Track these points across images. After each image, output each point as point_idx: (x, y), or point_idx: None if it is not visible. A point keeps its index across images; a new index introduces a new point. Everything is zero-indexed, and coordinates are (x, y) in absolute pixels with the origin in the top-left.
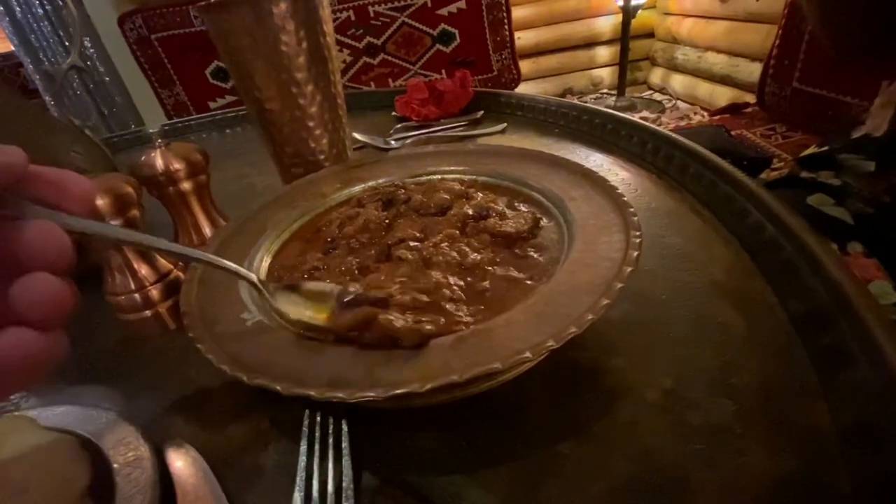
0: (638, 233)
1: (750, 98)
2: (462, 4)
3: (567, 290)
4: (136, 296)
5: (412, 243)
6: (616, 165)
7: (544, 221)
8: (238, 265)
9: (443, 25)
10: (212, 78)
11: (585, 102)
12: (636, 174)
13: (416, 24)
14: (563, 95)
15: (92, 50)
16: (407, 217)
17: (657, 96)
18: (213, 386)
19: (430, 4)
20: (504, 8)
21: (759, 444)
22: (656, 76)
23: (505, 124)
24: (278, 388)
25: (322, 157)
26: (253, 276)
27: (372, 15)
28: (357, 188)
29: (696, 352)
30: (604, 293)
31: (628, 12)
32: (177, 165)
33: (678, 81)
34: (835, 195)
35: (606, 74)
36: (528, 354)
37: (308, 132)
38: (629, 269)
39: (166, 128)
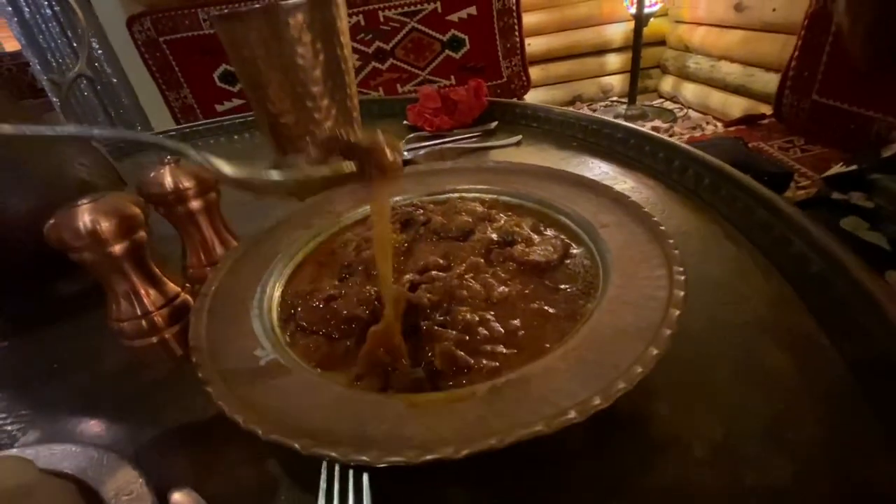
0: (681, 269)
1: (765, 109)
2: (472, 10)
3: (609, 333)
4: (142, 322)
5: (435, 272)
6: (640, 183)
7: (574, 249)
8: (251, 291)
9: (452, 31)
10: (219, 81)
11: (595, 110)
12: (662, 194)
13: (426, 30)
14: (572, 103)
15: (100, 51)
16: (426, 240)
17: (668, 105)
18: (224, 425)
19: (440, 10)
20: (515, 14)
21: None
22: (667, 84)
23: (520, 136)
24: (297, 446)
25: None
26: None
27: (382, 20)
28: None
29: (745, 399)
30: (652, 341)
31: (640, 20)
32: (186, 184)
33: (690, 90)
34: (869, 218)
35: (617, 82)
36: (573, 415)
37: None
38: (677, 312)
39: (173, 134)
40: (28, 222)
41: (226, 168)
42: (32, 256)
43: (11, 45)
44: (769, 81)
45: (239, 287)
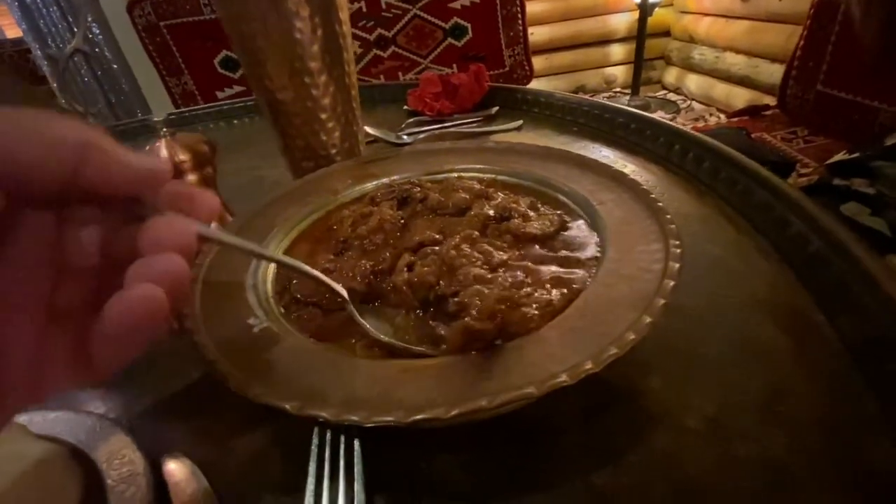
0: (677, 242)
1: (769, 100)
2: None
3: (604, 303)
4: None
5: (430, 249)
6: (641, 167)
7: (570, 223)
8: (246, 263)
9: (455, 19)
10: (220, 67)
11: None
12: (663, 177)
13: (429, 17)
14: (575, 93)
15: (100, 36)
16: (423, 217)
17: (671, 96)
18: (216, 393)
19: None
20: (518, 3)
21: (816, 482)
22: (671, 76)
23: (521, 121)
24: (287, 407)
25: (334, 151)
26: (343, 291)
27: (384, 6)
28: (370, 185)
29: (739, 374)
30: (645, 309)
31: (645, 9)
32: (182, 157)
33: (694, 81)
34: (870, 204)
35: (620, 73)
36: (564, 378)
37: (320, 124)
38: (671, 283)
39: (172, 117)
40: None
41: None
42: None
43: (13, 32)
44: (774, 72)
45: (234, 260)
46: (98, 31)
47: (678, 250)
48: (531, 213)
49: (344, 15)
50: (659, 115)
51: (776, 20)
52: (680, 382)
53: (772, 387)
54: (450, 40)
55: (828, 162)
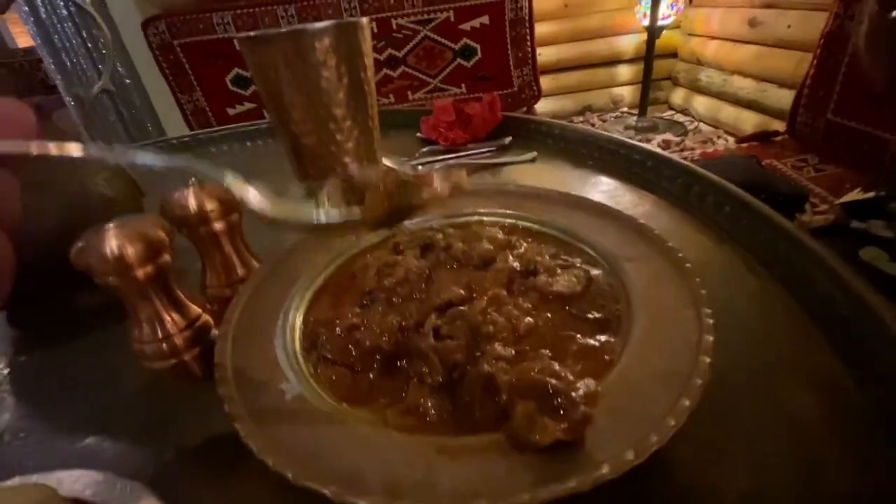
0: (709, 311)
1: (777, 125)
2: (485, 20)
3: (639, 379)
4: (163, 344)
5: (457, 309)
6: (657, 207)
7: (597, 280)
8: (274, 317)
9: (465, 40)
10: (231, 85)
11: (605, 121)
12: (680, 220)
13: (438, 38)
14: (582, 113)
15: (115, 52)
16: (447, 268)
17: (679, 117)
18: (244, 452)
19: (453, 19)
20: (527, 24)
21: None
22: (678, 97)
23: (535, 153)
24: (327, 493)
25: None
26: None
27: (394, 27)
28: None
29: (772, 445)
30: (683, 391)
31: (653, 32)
32: (210, 206)
33: (701, 103)
34: (889, 249)
35: (627, 93)
36: (606, 471)
37: (343, 167)
38: (707, 359)
39: (186, 140)
40: (52, 240)
41: (264, 204)
42: (56, 272)
43: (24, 41)
44: (782, 97)
45: (261, 313)
46: (113, 48)
47: (710, 320)
48: (557, 269)
49: (369, 61)
50: (666, 136)
51: (785, 46)
52: (711, 452)
53: (807, 460)
54: (459, 61)
55: (843, 201)
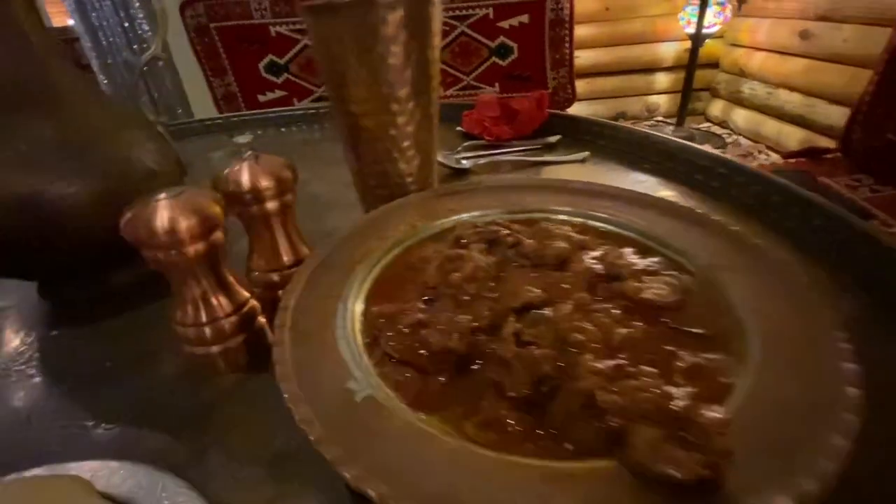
0: (844, 335)
1: (824, 142)
2: (524, 18)
3: (768, 408)
4: (207, 329)
5: (542, 311)
6: (727, 218)
7: (693, 291)
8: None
9: (502, 38)
10: (265, 71)
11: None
12: (756, 233)
13: (475, 35)
14: (615, 119)
15: (149, 32)
16: (517, 266)
17: (716, 130)
18: (291, 449)
19: (491, 16)
20: (567, 25)
21: None
22: (716, 108)
23: (587, 153)
24: None
25: (409, 180)
26: None
27: None
28: (450, 220)
29: None
30: (832, 426)
31: (698, 40)
32: (265, 183)
33: (742, 116)
34: None
35: (664, 102)
36: None
37: (401, 153)
38: (855, 391)
39: (219, 121)
40: (92, 210)
41: None
42: (93, 245)
43: (59, 21)
44: (831, 114)
45: (319, 301)
46: (147, 29)
47: (847, 345)
48: (642, 274)
49: (437, 40)
50: (704, 149)
51: (838, 61)
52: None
53: None
54: (494, 59)
55: None
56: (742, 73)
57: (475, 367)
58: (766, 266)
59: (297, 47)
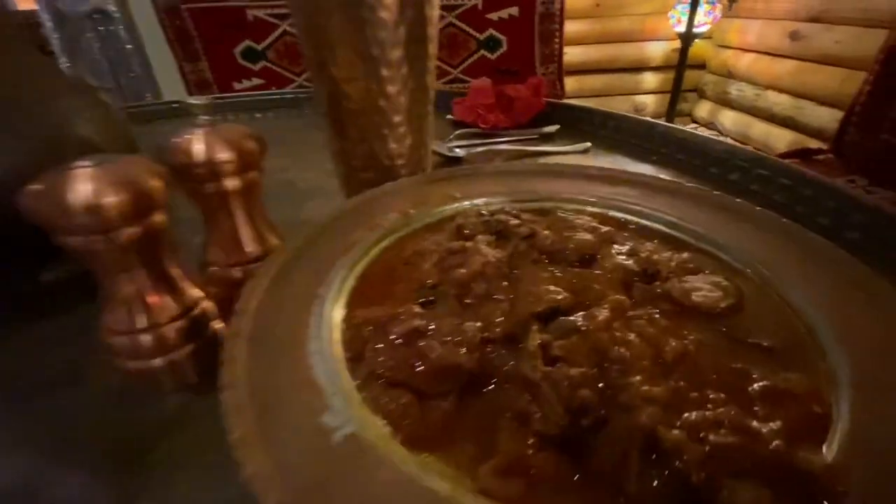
0: None
1: (813, 143)
2: (514, 11)
3: (887, 447)
4: (147, 336)
5: (572, 318)
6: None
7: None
8: (304, 312)
9: (491, 31)
10: (241, 58)
11: None
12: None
13: (464, 26)
14: None
15: (118, 14)
16: (532, 261)
17: (703, 131)
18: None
19: (480, 7)
20: (557, 20)
21: None
22: (703, 109)
23: (588, 143)
24: None
25: (401, 162)
26: None
27: None
28: (449, 208)
29: None
30: None
31: (688, 39)
32: (223, 155)
33: (729, 118)
34: None
35: (651, 101)
36: None
37: (391, 129)
38: None
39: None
40: (11, 188)
41: None
42: (13, 232)
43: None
44: (821, 116)
45: (289, 304)
46: (115, 9)
47: None
48: (685, 273)
49: None
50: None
51: (829, 62)
52: None
53: None
54: (483, 52)
55: None
56: (730, 75)
57: (488, 388)
58: (830, 265)
59: (277, 33)
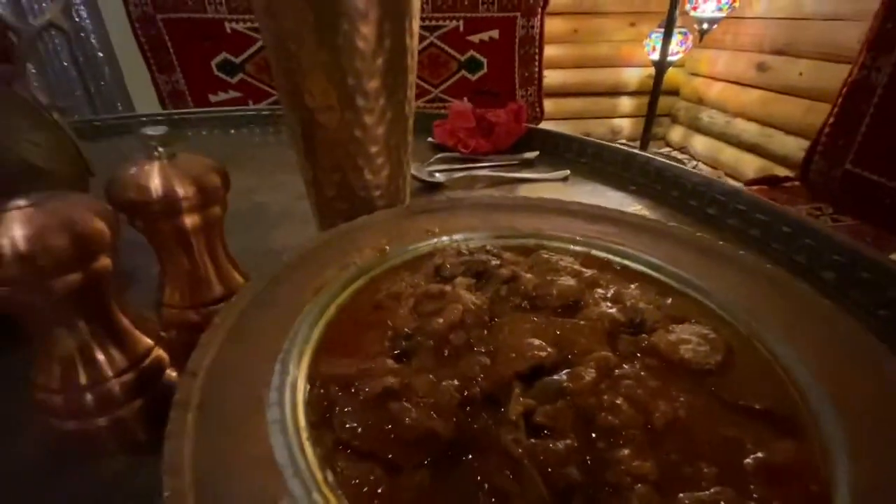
0: None
1: (780, 171)
2: (495, 34)
3: None
4: (88, 394)
5: (557, 378)
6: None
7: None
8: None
9: (472, 52)
10: (217, 70)
11: None
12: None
13: (445, 47)
14: None
15: (88, 20)
16: (513, 307)
17: (677, 155)
18: None
19: (461, 29)
20: (537, 44)
21: None
22: (676, 134)
23: (567, 171)
24: None
25: (377, 193)
26: None
27: None
28: (427, 244)
29: None
30: None
31: (662, 66)
32: (182, 191)
33: (701, 143)
34: None
35: (627, 125)
36: None
37: (367, 159)
38: None
39: (159, 119)
40: None
41: None
42: None
43: None
44: (787, 144)
45: (246, 363)
46: (87, 16)
47: None
48: (670, 322)
49: (416, 26)
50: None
51: (794, 93)
52: None
53: None
54: (464, 73)
55: None
56: (701, 102)
57: (466, 457)
58: (815, 317)
59: (255, 46)
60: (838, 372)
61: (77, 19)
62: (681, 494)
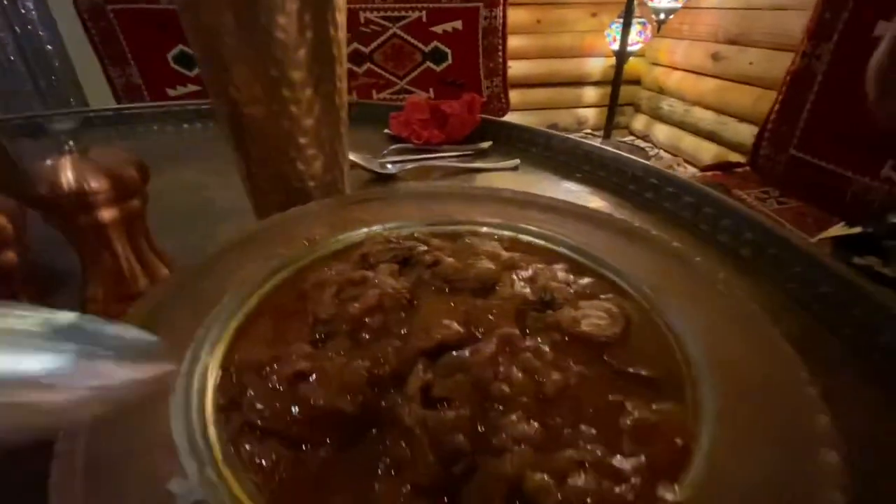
0: (807, 375)
1: (735, 157)
2: (458, 24)
3: (737, 482)
4: None
5: (456, 353)
6: (659, 231)
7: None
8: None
9: (436, 43)
10: (174, 62)
11: None
12: (693, 247)
13: (408, 38)
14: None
15: (34, 12)
16: (434, 290)
17: (640, 143)
18: None
19: (424, 19)
20: (500, 34)
21: None
22: (639, 123)
23: (518, 160)
24: None
25: (312, 184)
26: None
27: (362, 21)
28: (357, 234)
29: None
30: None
31: (622, 56)
32: (95, 184)
33: (662, 131)
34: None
35: (591, 115)
36: None
37: (298, 150)
38: (835, 456)
39: (109, 114)
40: None
41: None
42: None
43: None
44: (741, 131)
45: (164, 345)
46: (33, 8)
47: (813, 389)
48: (579, 300)
49: (341, 18)
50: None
51: (745, 82)
52: None
53: None
54: (428, 64)
55: (828, 235)
56: (661, 91)
57: (371, 434)
58: (713, 291)
59: None
60: (723, 341)
61: (23, 11)
62: (556, 454)
